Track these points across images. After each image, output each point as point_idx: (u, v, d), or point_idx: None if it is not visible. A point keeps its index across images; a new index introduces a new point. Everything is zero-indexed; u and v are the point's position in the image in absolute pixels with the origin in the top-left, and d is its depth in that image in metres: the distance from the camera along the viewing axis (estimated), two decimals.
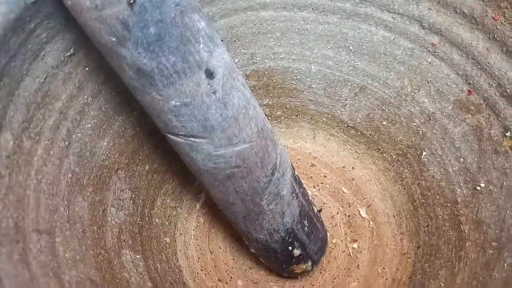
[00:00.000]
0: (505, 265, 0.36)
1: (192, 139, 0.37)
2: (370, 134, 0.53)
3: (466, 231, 0.41)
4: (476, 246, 0.40)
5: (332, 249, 0.53)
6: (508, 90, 0.39)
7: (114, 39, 0.30)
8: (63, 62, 0.37)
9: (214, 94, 0.35)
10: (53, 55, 0.36)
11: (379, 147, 0.52)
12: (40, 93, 0.35)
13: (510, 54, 0.38)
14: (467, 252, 0.40)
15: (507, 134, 0.40)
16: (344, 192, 0.55)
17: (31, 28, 0.32)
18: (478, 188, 0.42)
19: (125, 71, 0.33)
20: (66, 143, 0.38)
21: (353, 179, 0.55)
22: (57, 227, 0.35)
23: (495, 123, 0.41)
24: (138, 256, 0.41)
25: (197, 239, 0.51)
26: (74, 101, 0.39)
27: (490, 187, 0.40)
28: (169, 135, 0.37)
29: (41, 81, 0.35)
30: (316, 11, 0.47)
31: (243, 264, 0.52)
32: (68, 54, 0.37)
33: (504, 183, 0.39)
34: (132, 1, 0.28)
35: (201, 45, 0.33)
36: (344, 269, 0.51)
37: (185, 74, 0.33)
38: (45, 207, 0.34)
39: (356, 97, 0.52)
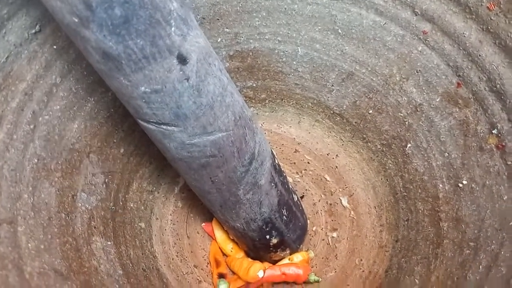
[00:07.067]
0: (481, 267, 0.35)
1: (164, 126, 0.35)
2: (355, 122, 0.51)
3: (445, 228, 0.40)
4: (453, 244, 0.39)
5: (312, 236, 0.52)
6: (497, 85, 0.37)
7: (76, 20, 0.28)
8: (28, 40, 0.35)
9: (187, 80, 0.33)
10: (16, 33, 0.34)
11: (364, 136, 0.51)
12: (2, 74, 0.33)
13: (502, 48, 0.36)
14: (444, 250, 0.39)
15: (493, 131, 0.38)
16: (327, 180, 0.54)
17: None
18: (460, 185, 0.41)
19: (90, 54, 0.31)
20: (32, 126, 0.36)
21: (337, 167, 0.53)
22: (19, 215, 0.33)
23: (482, 119, 0.39)
24: (109, 243, 0.40)
25: (174, 224, 0.50)
26: (41, 82, 0.36)
27: (472, 185, 0.39)
28: (140, 121, 0.35)
29: (2, 60, 0.33)
30: None
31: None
32: (33, 31, 0.35)
33: (486, 182, 0.38)
34: None
35: (173, 28, 0.31)
36: (323, 258, 0.51)
37: (154, 59, 0.31)
38: (7, 195, 0.33)
39: (343, 83, 0.50)
